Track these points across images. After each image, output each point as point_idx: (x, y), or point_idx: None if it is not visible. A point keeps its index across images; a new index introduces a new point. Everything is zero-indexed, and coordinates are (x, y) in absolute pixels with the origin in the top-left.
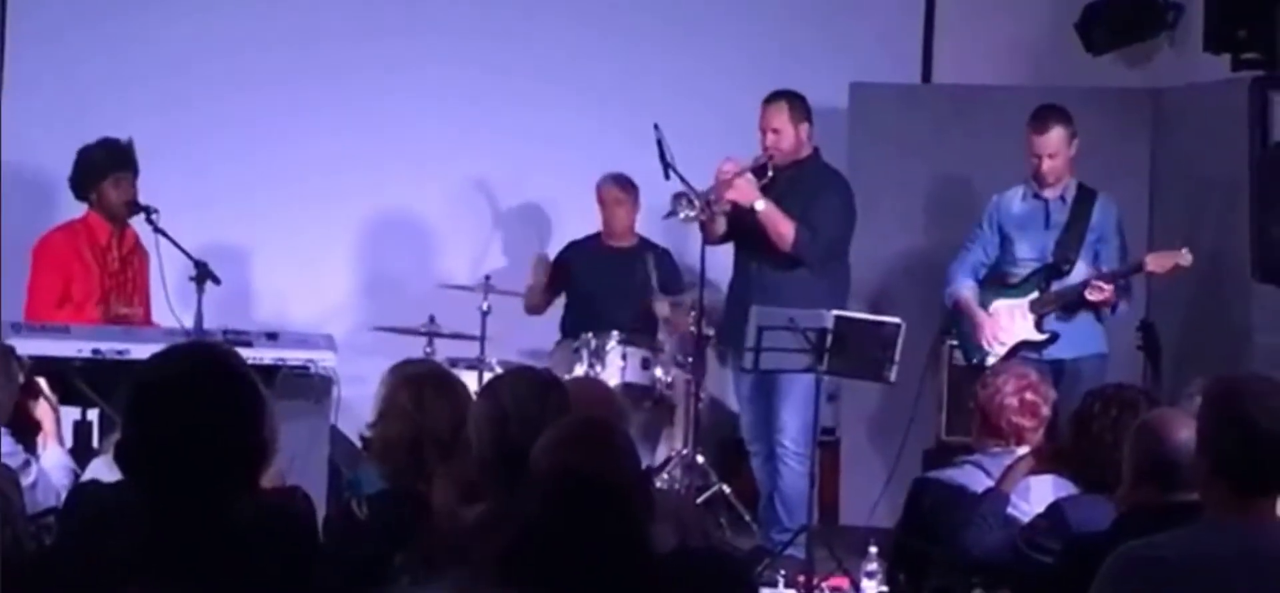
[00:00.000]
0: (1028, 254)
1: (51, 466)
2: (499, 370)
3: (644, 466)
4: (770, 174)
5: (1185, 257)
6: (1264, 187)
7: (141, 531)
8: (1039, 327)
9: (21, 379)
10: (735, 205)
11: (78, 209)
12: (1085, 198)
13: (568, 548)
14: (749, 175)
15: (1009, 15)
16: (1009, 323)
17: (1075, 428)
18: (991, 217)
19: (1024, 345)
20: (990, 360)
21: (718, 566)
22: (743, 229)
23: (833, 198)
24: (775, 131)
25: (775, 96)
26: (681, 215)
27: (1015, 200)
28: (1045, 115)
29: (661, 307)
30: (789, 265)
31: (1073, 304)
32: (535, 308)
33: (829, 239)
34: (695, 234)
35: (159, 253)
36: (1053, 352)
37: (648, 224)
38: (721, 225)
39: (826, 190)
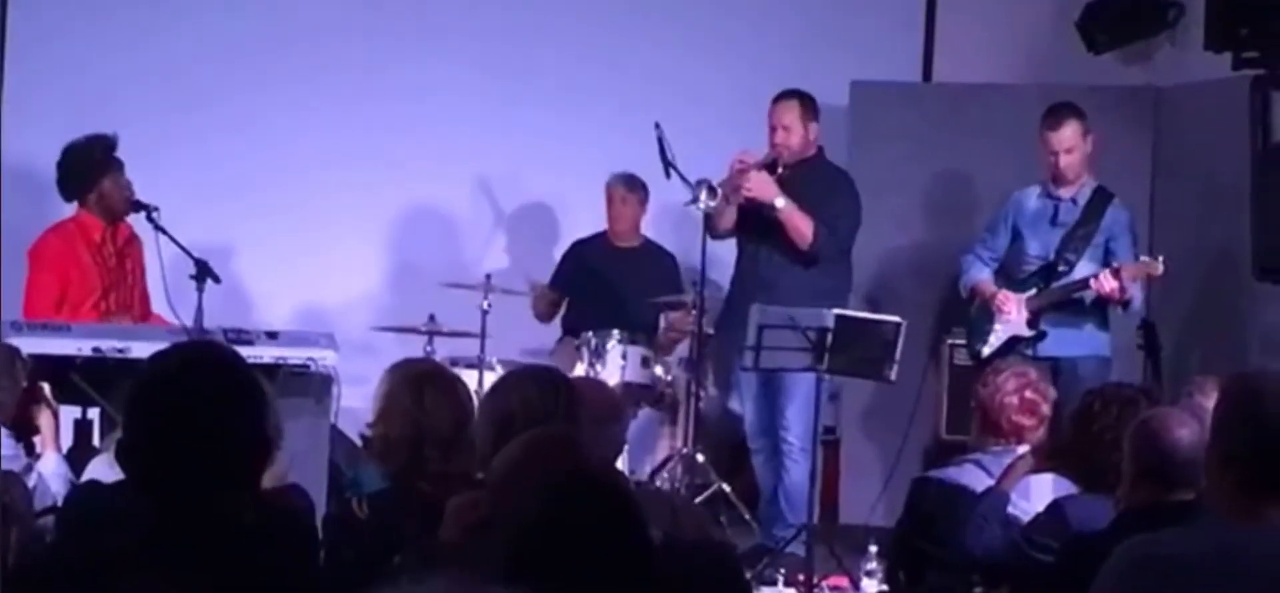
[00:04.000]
0: (1035, 251)
1: (49, 472)
2: (499, 369)
3: (645, 464)
4: (780, 171)
5: (1156, 267)
6: (1264, 185)
7: (142, 530)
8: (1032, 324)
9: (24, 382)
10: (750, 199)
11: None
12: (1099, 202)
13: (566, 547)
14: (764, 171)
15: (1010, 14)
16: (1011, 308)
17: (1075, 427)
18: (1007, 214)
19: (1015, 340)
20: (986, 350)
21: (704, 555)
22: (751, 223)
23: (844, 197)
24: (785, 129)
25: (786, 95)
26: (702, 203)
27: (1031, 198)
28: (1058, 111)
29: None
30: (794, 261)
31: (1071, 302)
32: (544, 320)
33: (843, 237)
34: (698, 237)
35: (159, 251)
36: (1049, 349)
37: (654, 225)
38: (729, 219)
39: (838, 189)
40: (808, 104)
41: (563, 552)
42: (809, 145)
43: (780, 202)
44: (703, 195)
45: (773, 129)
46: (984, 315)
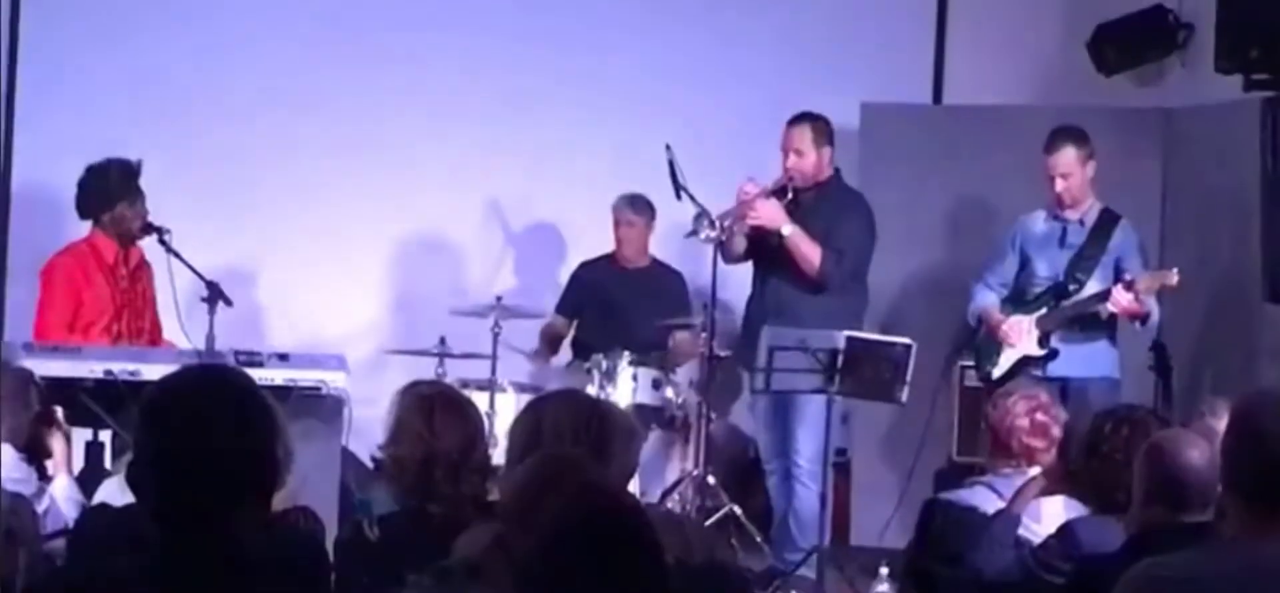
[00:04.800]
0: (1044, 273)
1: (60, 495)
2: (510, 391)
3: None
4: (790, 195)
5: (1172, 278)
6: (1275, 207)
7: (152, 553)
8: (1042, 343)
9: (37, 406)
10: (758, 227)
11: (86, 228)
12: (1106, 222)
13: (580, 569)
14: (773, 198)
15: (1020, 35)
16: (1017, 336)
17: (1086, 449)
18: (1015, 238)
19: (1026, 360)
20: (996, 372)
21: (715, 578)
22: (762, 250)
23: (856, 220)
24: (798, 153)
25: (799, 119)
26: (703, 235)
27: (1038, 221)
28: (1055, 136)
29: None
30: (808, 285)
31: (1082, 319)
32: (549, 354)
33: (854, 263)
34: (708, 258)
35: (171, 274)
36: (1058, 369)
37: (662, 246)
38: (740, 245)
39: (850, 213)
40: (821, 128)
41: (576, 574)
42: (822, 169)
43: (787, 229)
44: (703, 228)
45: (785, 153)
46: (991, 342)
